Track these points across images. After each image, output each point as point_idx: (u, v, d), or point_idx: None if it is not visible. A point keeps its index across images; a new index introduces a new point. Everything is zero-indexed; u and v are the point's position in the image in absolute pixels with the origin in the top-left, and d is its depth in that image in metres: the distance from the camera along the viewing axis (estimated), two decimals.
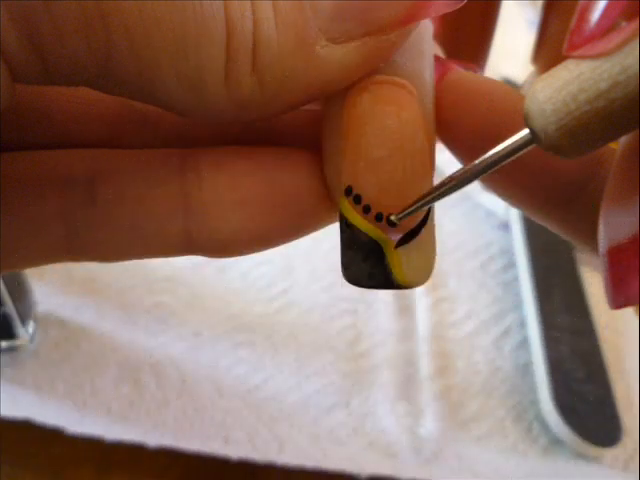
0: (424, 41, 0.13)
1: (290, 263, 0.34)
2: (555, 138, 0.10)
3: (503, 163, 0.11)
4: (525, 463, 0.28)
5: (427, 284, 0.38)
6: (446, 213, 0.40)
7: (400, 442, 0.28)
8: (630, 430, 0.29)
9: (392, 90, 0.12)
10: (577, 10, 0.11)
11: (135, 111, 0.16)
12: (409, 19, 0.12)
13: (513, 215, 0.39)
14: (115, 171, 0.15)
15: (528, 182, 0.14)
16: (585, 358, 0.31)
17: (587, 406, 0.29)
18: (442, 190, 0.12)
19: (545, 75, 0.11)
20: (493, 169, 0.11)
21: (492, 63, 0.53)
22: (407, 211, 0.12)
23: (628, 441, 0.29)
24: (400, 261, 0.12)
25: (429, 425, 0.28)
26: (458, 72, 0.14)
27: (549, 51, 0.24)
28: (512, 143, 0.11)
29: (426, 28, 0.13)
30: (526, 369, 0.32)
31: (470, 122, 0.14)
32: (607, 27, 0.10)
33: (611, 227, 0.11)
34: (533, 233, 0.37)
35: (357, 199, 0.12)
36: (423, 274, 0.13)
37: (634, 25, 0.10)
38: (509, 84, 0.28)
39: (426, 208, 0.12)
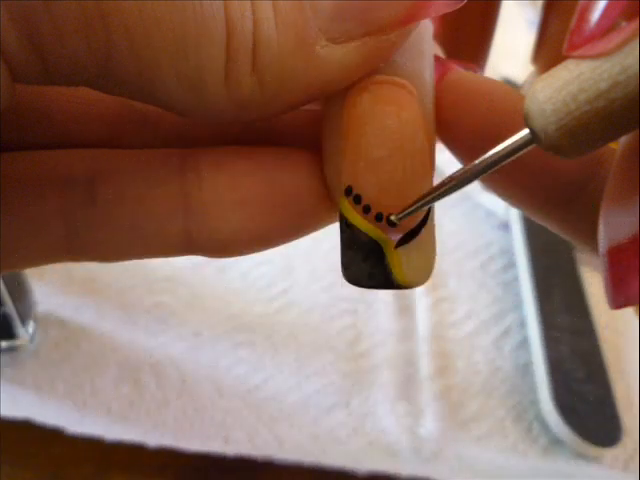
0: (424, 41, 0.13)
1: (290, 263, 0.34)
2: (555, 138, 0.10)
3: (503, 163, 0.11)
4: (525, 463, 0.28)
5: (427, 284, 0.38)
6: (446, 213, 0.40)
7: (400, 442, 0.28)
8: (630, 430, 0.29)
9: (392, 90, 0.12)
10: (577, 10, 0.11)
11: (135, 111, 0.16)
12: (409, 19, 0.12)
13: (513, 215, 0.39)
14: (115, 171, 0.15)
15: (528, 182, 0.14)
16: (585, 358, 0.31)
17: (587, 406, 0.29)
18: (442, 190, 0.12)
19: (545, 75, 0.11)
20: (493, 169, 0.11)
21: (492, 63, 0.53)
22: (407, 211, 0.12)
23: (628, 441, 0.29)
24: (400, 261, 0.12)
25: (429, 425, 0.28)
26: (458, 72, 0.14)
27: (549, 51, 0.24)
28: (512, 143, 0.11)
29: (426, 28, 0.13)
30: (526, 369, 0.32)
31: (470, 122, 0.14)
32: (607, 27, 0.10)
33: (611, 227, 0.11)
34: (533, 233, 0.37)
35: (357, 199, 0.12)
36: (423, 274, 0.13)
37: (634, 25, 0.10)
38: (509, 84, 0.28)
39: (426, 208, 0.12)
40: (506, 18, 0.51)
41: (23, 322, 0.28)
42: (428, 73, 0.13)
